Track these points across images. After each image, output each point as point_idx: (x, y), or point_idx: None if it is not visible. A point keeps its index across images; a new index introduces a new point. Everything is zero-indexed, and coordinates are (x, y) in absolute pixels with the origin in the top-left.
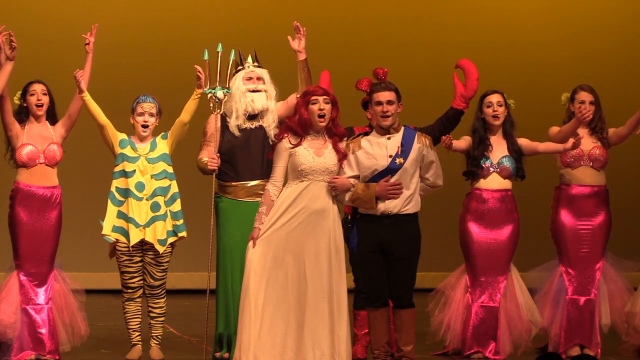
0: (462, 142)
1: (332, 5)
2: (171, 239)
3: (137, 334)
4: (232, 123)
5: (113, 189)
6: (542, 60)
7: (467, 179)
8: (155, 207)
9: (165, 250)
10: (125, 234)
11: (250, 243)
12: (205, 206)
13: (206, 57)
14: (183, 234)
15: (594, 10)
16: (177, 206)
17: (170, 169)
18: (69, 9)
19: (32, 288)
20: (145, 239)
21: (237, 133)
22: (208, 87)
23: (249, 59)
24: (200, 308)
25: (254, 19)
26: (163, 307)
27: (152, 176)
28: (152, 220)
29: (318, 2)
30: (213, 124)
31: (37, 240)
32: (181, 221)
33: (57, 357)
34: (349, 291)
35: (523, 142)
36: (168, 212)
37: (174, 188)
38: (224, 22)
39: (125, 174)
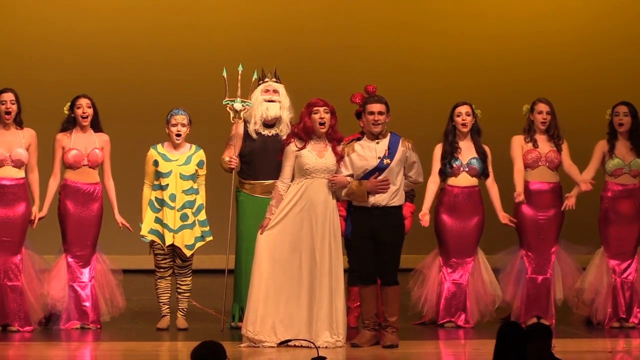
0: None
1: (328, 24)
2: (199, 244)
3: (167, 306)
4: (251, 128)
5: (153, 198)
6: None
7: (441, 180)
8: (184, 217)
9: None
10: (161, 236)
11: (260, 231)
12: (226, 199)
13: (224, 74)
14: (210, 238)
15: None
16: (203, 215)
17: (195, 186)
18: (77, 13)
19: (77, 268)
20: (175, 243)
21: (254, 136)
22: (227, 98)
23: (269, 75)
24: (219, 285)
25: (256, 29)
26: (189, 284)
27: (182, 191)
28: (181, 227)
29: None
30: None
31: (81, 228)
32: (207, 227)
33: (99, 326)
34: (344, 271)
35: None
36: (196, 221)
37: (199, 200)
38: (231, 31)
39: (161, 187)
